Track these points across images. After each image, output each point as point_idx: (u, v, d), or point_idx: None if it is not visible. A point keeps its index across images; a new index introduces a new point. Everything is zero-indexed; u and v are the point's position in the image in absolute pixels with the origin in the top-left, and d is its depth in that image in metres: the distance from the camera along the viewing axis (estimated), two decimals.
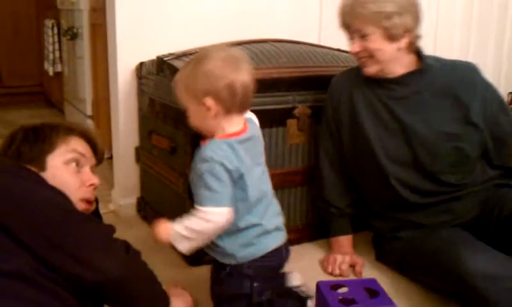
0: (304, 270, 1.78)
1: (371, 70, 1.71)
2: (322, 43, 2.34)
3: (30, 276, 1.05)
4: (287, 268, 1.49)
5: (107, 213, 2.29)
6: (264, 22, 2.33)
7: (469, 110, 1.70)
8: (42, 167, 1.30)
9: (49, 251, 1.08)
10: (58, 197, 1.20)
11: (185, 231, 1.29)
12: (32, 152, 1.32)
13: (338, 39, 1.89)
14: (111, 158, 2.68)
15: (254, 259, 1.37)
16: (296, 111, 1.93)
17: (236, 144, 1.33)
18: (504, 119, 1.75)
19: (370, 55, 1.68)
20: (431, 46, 2.86)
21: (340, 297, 1.39)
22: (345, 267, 1.77)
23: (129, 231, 1.85)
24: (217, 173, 1.27)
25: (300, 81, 1.90)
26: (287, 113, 1.92)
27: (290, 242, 1.96)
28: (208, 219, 1.27)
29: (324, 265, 1.82)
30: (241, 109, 1.37)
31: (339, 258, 1.80)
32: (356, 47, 1.68)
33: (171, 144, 1.91)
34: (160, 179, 2.04)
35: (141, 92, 2.13)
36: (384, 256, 1.83)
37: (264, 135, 1.84)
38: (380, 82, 1.74)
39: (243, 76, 1.34)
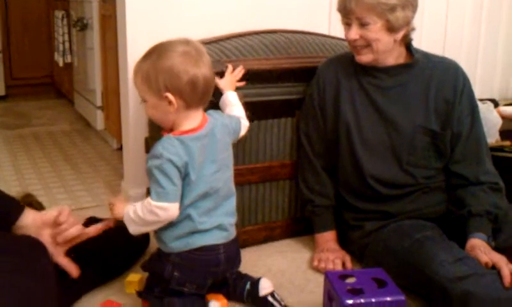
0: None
1: (365, 58, 1.71)
2: (332, 34, 2.33)
3: None
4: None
5: None
6: (274, 12, 2.32)
7: (449, 107, 1.72)
8: None
9: None
10: None
11: (133, 215, 1.38)
12: None
13: None
14: (120, 149, 2.69)
15: (184, 250, 1.42)
16: None
17: (189, 141, 1.37)
18: (467, 122, 1.74)
19: (367, 44, 1.68)
20: (440, 43, 2.86)
21: (349, 287, 1.39)
22: (338, 263, 1.74)
23: None
24: (165, 169, 1.33)
25: (310, 72, 1.90)
26: (296, 104, 1.92)
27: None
28: (154, 211, 1.35)
29: (315, 263, 1.77)
30: (201, 103, 1.42)
31: (331, 255, 1.77)
32: (353, 33, 1.67)
33: None
34: None
35: None
36: (347, 245, 1.84)
37: (272, 126, 1.88)
38: (368, 70, 1.75)
39: (204, 69, 1.38)
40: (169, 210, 1.35)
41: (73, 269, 1.46)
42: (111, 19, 2.63)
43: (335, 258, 1.75)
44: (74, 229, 1.47)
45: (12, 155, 3.00)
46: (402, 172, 1.74)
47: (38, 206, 1.75)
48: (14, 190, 2.24)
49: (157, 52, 1.39)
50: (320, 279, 1.58)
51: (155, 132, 2.13)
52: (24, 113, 4.09)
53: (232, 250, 1.50)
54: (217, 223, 1.45)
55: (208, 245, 1.43)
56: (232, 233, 1.50)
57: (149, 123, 2.20)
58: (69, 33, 3.78)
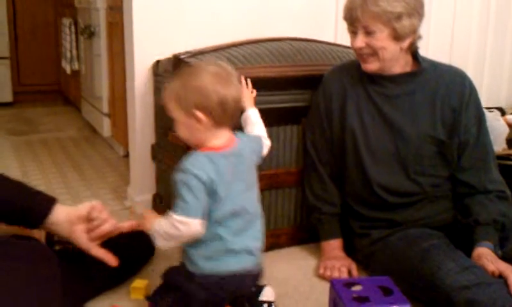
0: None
1: (372, 66, 1.71)
2: (338, 42, 2.34)
3: None
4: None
5: (123, 210, 2.32)
6: (280, 20, 2.33)
7: (455, 116, 1.72)
8: None
9: None
10: None
11: (158, 228, 1.38)
12: None
13: None
14: (127, 155, 2.70)
15: (211, 274, 1.39)
16: None
17: (217, 157, 1.38)
18: (473, 130, 1.75)
19: (373, 53, 1.68)
20: (447, 51, 2.86)
21: (355, 295, 1.39)
22: (344, 271, 1.74)
23: None
24: (190, 184, 1.33)
25: (316, 80, 1.90)
26: (302, 111, 1.92)
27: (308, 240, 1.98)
28: (175, 225, 1.34)
29: (321, 271, 1.76)
30: (229, 123, 1.43)
31: (337, 263, 1.76)
32: (359, 42, 1.67)
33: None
34: None
35: (157, 90, 2.15)
36: (353, 253, 1.83)
37: (278, 134, 1.88)
38: (374, 79, 1.75)
39: (233, 91, 1.39)
40: (190, 225, 1.34)
41: (111, 259, 1.47)
42: (118, 27, 2.64)
43: (340, 265, 1.75)
44: (108, 225, 1.49)
45: (20, 161, 3.01)
46: (408, 180, 1.74)
47: None
48: None
49: (188, 72, 1.41)
50: (326, 287, 1.57)
51: (161, 139, 2.14)
52: (31, 120, 4.11)
53: (256, 279, 1.48)
54: (246, 246, 1.43)
55: (235, 272, 1.41)
56: (258, 260, 1.47)
57: (156, 129, 2.21)
58: (76, 40, 3.80)
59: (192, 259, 1.41)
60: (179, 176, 1.35)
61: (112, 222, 1.50)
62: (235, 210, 1.40)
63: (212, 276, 1.39)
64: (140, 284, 1.59)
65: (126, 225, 1.54)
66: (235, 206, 1.40)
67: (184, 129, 1.42)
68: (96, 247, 1.47)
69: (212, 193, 1.36)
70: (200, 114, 1.36)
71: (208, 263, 1.39)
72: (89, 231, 1.47)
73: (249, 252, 1.44)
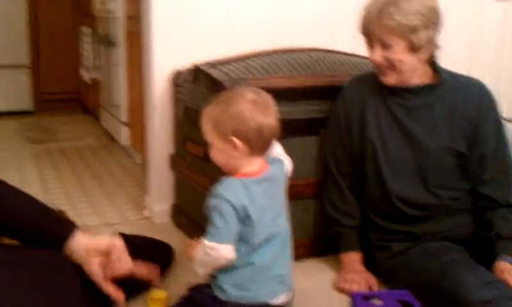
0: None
1: (391, 80, 1.70)
2: (356, 53, 2.33)
3: None
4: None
5: (141, 220, 2.32)
6: (298, 30, 2.33)
7: (473, 128, 1.71)
8: None
9: None
10: None
11: (197, 259, 1.39)
12: None
13: None
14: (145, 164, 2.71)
15: (242, 303, 1.38)
16: None
17: (251, 183, 1.37)
18: (493, 142, 1.73)
19: (391, 66, 1.67)
20: (465, 61, 2.84)
21: None
22: (363, 284, 1.72)
23: (163, 238, 1.87)
24: (222, 210, 1.33)
25: (334, 90, 1.90)
26: (321, 122, 1.92)
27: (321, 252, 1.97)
28: (207, 251, 1.34)
29: (340, 284, 1.74)
30: (265, 150, 1.42)
31: (356, 277, 1.74)
32: (376, 55, 1.67)
33: (205, 151, 1.92)
34: (194, 186, 2.05)
35: (176, 100, 2.16)
36: (373, 266, 1.81)
37: (296, 145, 1.87)
38: (394, 91, 1.74)
39: (271, 119, 1.39)
40: (221, 250, 1.33)
41: (120, 297, 1.47)
42: (137, 36, 2.66)
43: (360, 279, 1.73)
44: (126, 267, 1.48)
45: (38, 169, 3.04)
46: (428, 193, 1.72)
47: None
48: None
49: (227, 99, 1.42)
50: (344, 300, 1.57)
51: (180, 148, 2.15)
52: (50, 128, 4.15)
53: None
54: (278, 273, 1.42)
55: (265, 302, 1.40)
56: (290, 287, 1.46)
57: (174, 139, 2.22)
58: (96, 49, 3.83)
59: (221, 287, 1.39)
60: (212, 201, 1.35)
61: (129, 265, 1.49)
62: (269, 235, 1.40)
63: (240, 305, 1.38)
64: (158, 295, 1.59)
65: (142, 271, 1.53)
66: (269, 231, 1.39)
67: (220, 155, 1.42)
68: (107, 283, 1.47)
69: (245, 219, 1.35)
70: (236, 141, 1.36)
71: (238, 292, 1.38)
72: (105, 266, 1.46)
73: (281, 281, 1.42)
